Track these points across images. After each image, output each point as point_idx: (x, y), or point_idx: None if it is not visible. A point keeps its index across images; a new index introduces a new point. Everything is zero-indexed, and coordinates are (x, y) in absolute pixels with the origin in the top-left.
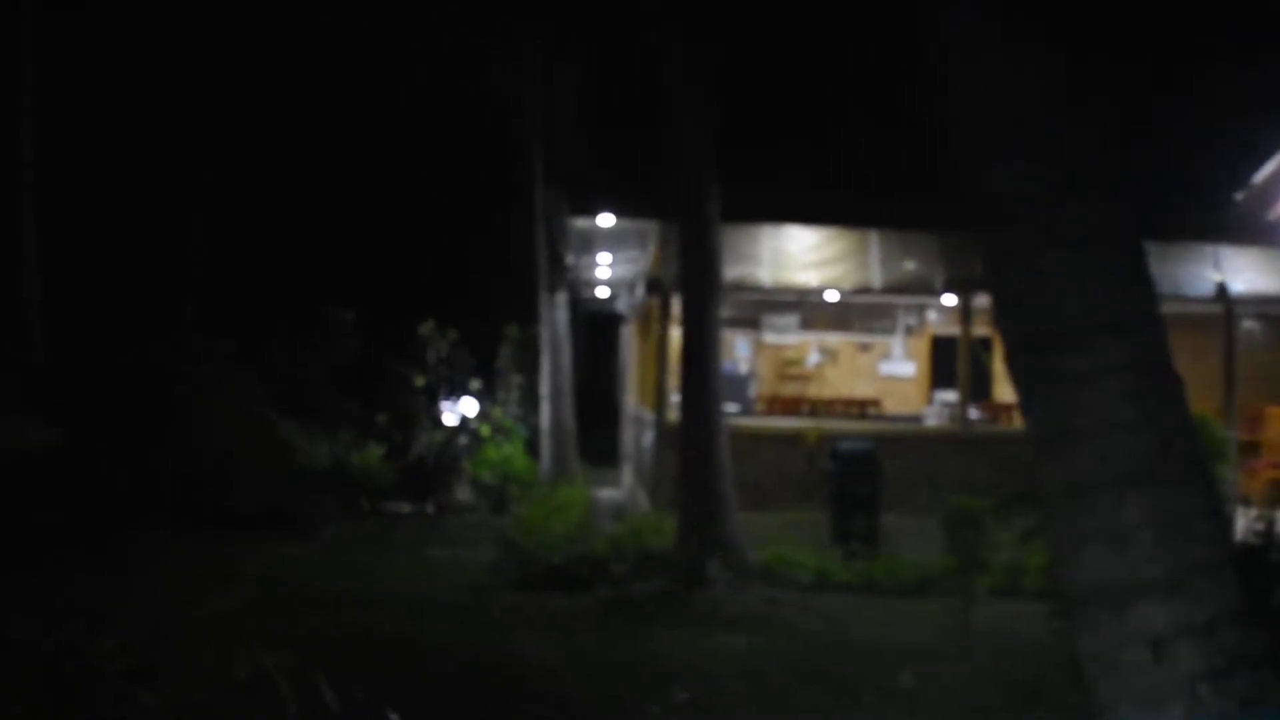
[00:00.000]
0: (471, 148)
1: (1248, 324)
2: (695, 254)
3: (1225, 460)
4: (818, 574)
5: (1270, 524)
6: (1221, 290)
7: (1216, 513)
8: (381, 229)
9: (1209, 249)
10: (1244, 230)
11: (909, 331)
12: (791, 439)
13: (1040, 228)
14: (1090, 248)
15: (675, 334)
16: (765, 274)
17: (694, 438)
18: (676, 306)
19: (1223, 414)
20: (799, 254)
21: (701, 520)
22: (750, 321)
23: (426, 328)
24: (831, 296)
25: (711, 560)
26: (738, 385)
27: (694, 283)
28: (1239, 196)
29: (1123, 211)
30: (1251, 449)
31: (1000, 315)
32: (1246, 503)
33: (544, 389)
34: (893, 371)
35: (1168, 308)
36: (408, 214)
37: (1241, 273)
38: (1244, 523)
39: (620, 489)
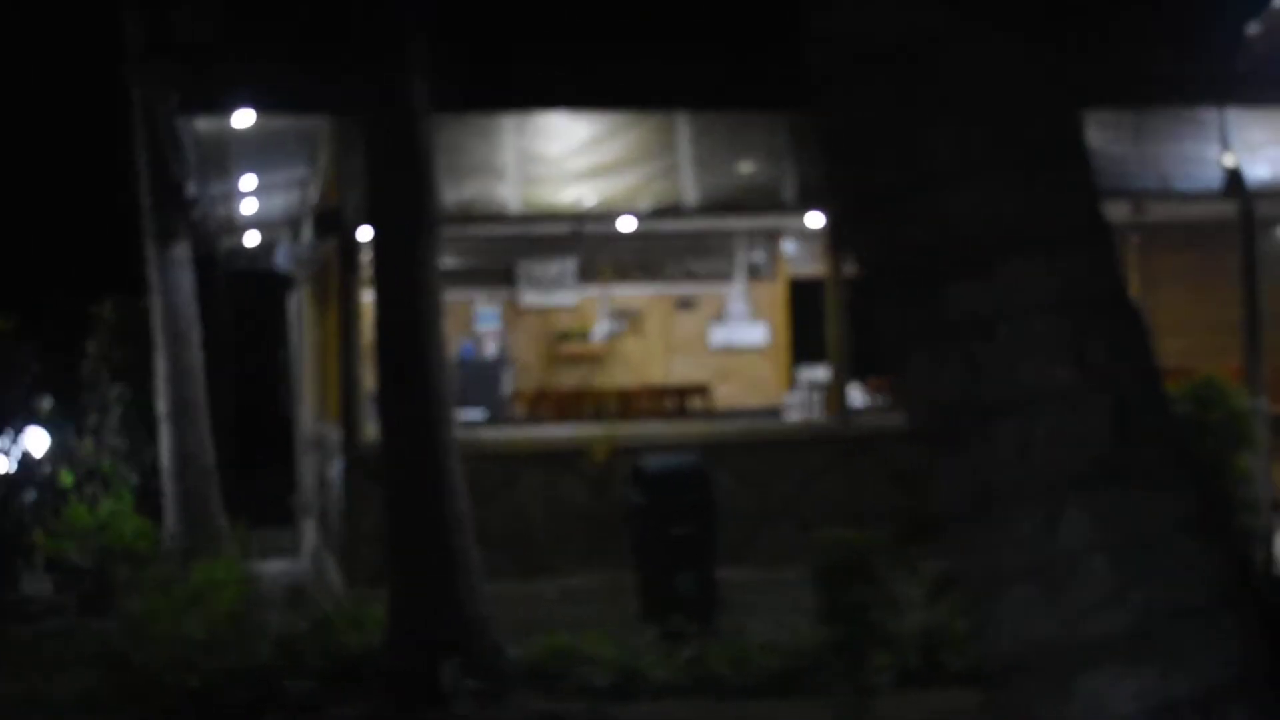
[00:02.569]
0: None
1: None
2: (394, 165)
3: (1250, 444)
4: (621, 672)
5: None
6: (1234, 179)
7: (1210, 524)
8: None
9: (1212, 116)
10: (1263, 84)
11: (755, 275)
12: (572, 457)
13: (922, 86)
14: (998, 119)
15: (371, 299)
16: (512, 193)
17: (405, 465)
18: (370, 254)
19: (1244, 374)
20: (565, 159)
21: (426, 599)
22: (497, 273)
23: None
24: (625, 225)
25: (446, 663)
26: (482, 377)
27: (393, 213)
28: (1254, 31)
29: (1044, 57)
30: None
31: (854, 230)
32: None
33: (163, 404)
34: (731, 340)
35: (1154, 210)
36: None
37: (1262, 149)
38: None
39: (299, 558)
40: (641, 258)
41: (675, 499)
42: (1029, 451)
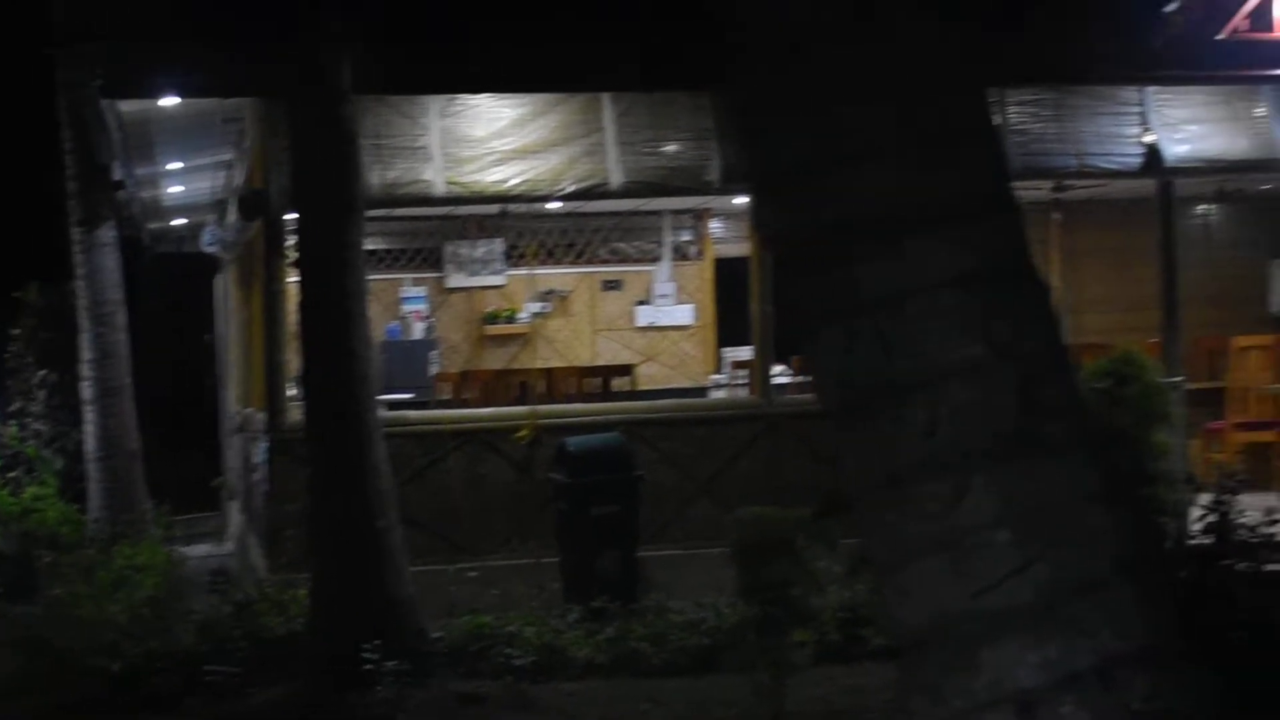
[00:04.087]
0: None
1: (1202, 208)
2: (318, 147)
3: (1166, 419)
4: (544, 650)
5: (1225, 514)
6: (1153, 157)
7: (1116, 496)
8: None
9: (1131, 94)
10: (1182, 60)
11: (681, 256)
12: (496, 438)
13: (833, 64)
14: (909, 97)
15: (296, 281)
16: (437, 175)
17: (329, 447)
18: (295, 237)
19: (1162, 349)
20: (489, 140)
21: (349, 582)
22: (423, 256)
23: None
24: (552, 207)
25: (370, 643)
26: (408, 358)
27: (318, 195)
28: (1172, 7)
29: (955, 36)
30: (1210, 401)
31: (761, 206)
32: (1193, 482)
33: (87, 388)
34: (658, 320)
35: (1076, 188)
36: None
37: (1180, 128)
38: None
39: (224, 542)
40: (568, 239)
41: (598, 479)
42: (937, 426)
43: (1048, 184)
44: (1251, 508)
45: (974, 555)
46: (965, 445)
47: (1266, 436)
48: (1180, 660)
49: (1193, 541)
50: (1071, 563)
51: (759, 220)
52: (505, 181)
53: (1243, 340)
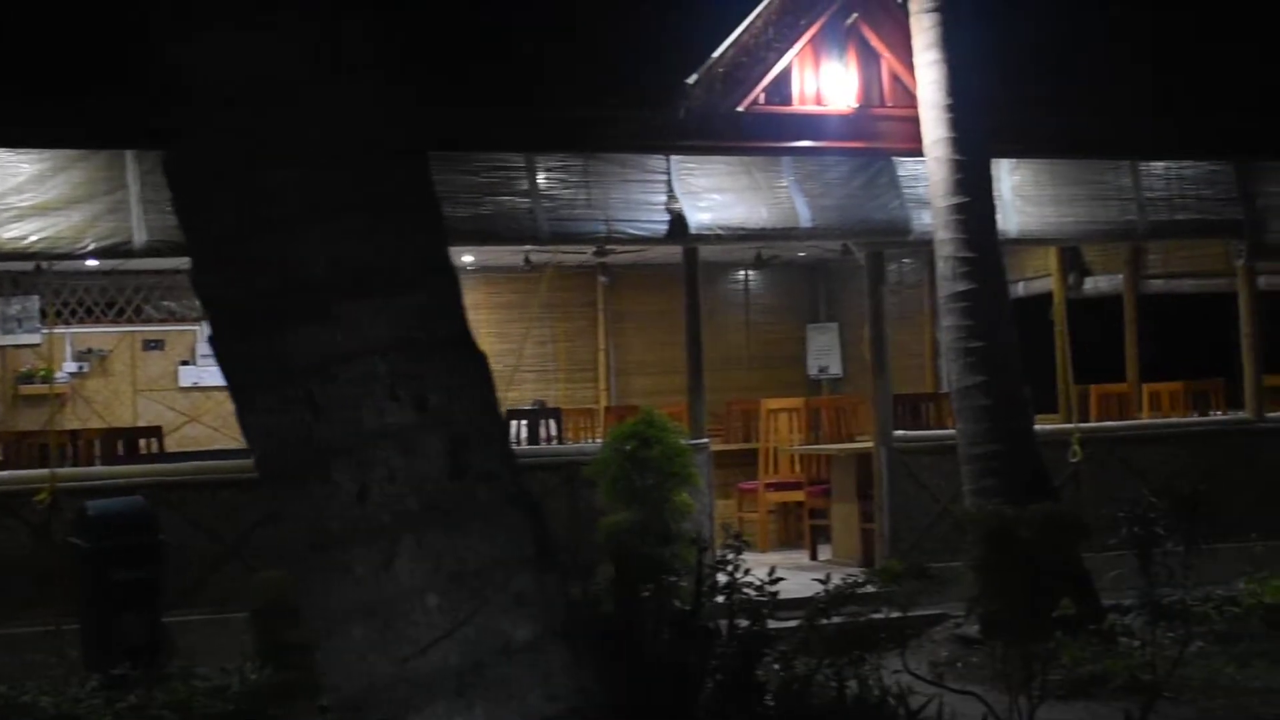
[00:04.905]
0: None
1: (742, 274)
2: None
3: (690, 481)
4: None
5: (699, 576)
6: (678, 223)
7: (544, 561)
8: None
9: (659, 161)
10: (703, 131)
11: None
12: (15, 501)
13: (267, 128)
14: (346, 163)
15: None
16: None
17: None
18: None
19: (688, 412)
20: (7, 196)
21: None
22: None
23: None
24: (90, 264)
25: None
26: None
27: None
28: (693, 81)
29: (398, 102)
30: (745, 462)
31: (200, 272)
32: (699, 543)
33: None
34: (201, 380)
35: (618, 252)
36: None
37: (704, 196)
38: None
39: None
40: (108, 296)
41: (120, 542)
42: (367, 492)
43: (588, 248)
44: (779, 564)
45: (403, 620)
46: (395, 510)
47: (796, 496)
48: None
49: (703, 599)
50: (500, 626)
51: (195, 283)
52: (24, 239)
53: (772, 403)
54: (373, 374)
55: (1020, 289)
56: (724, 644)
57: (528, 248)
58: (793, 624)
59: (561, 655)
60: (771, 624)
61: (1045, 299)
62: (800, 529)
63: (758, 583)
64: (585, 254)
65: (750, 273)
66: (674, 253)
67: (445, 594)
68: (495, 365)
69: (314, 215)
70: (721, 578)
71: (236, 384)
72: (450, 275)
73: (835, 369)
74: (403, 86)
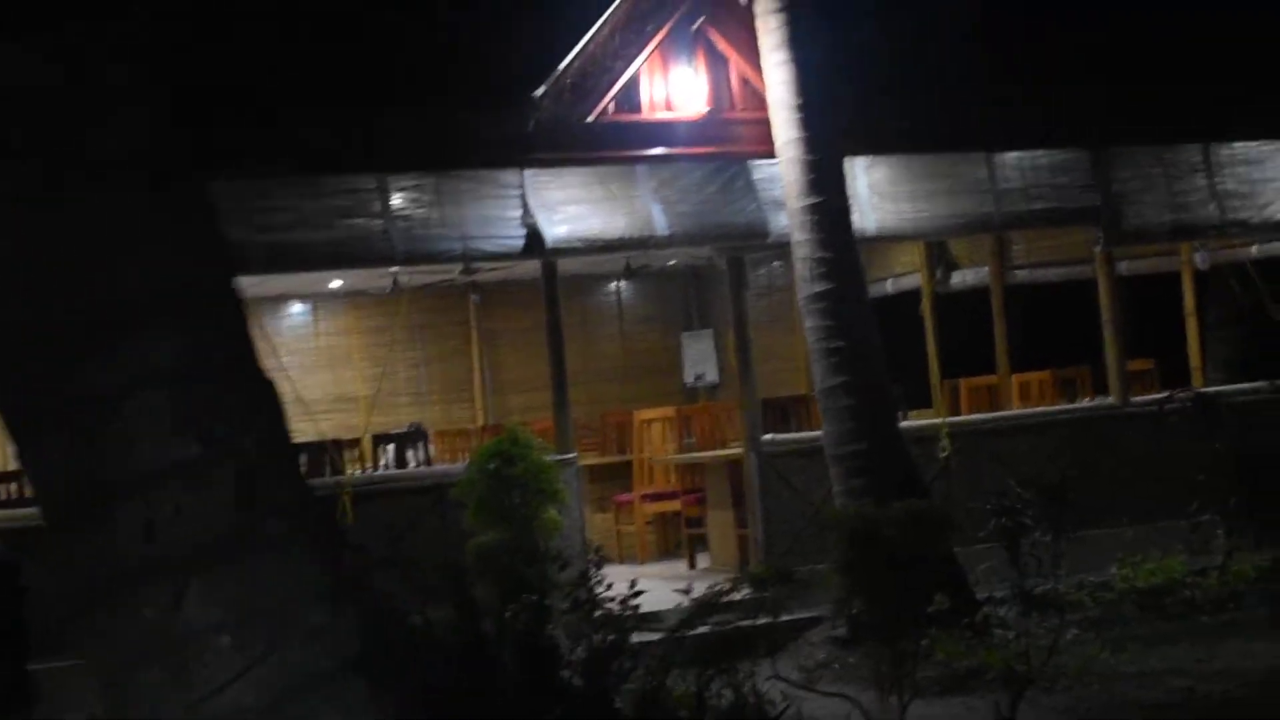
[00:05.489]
0: None
1: (613, 285)
2: None
3: (557, 497)
4: None
5: (542, 593)
6: (534, 237)
7: (342, 591)
8: None
9: (512, 176)
10: (554, 143)
11: None
12: None
13: (41, 165)
14: (126, 191)
15: None
16: None
17: None
18: None
19: (554, 427)
20: None
21: None
22: None
23: None
24: None
25: None
26: None
27: None
28: (540, 94)
29: (190, 121)
30: (621, 475)
31: None
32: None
33: None
34: None
35: (486, 270)
36: None
37: (559, 209)
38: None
39: None
40: None
41: None
42: (153, 531)
43: (456, 267)
44: (658, 575)
45: (195, 662)
46: (184, 547)
47: (673, 506)
48: None
49: (556, 616)
50: (296, 661)
51: None
52: None
53: (645, 413)
54: (153, 407)
55: (889, 286)
56: (578, 661)
57: (392, 270)
58: (660, 637)
59: (363, 686)
60: (640, 638)
61: (914, 295)
62: (679, 539)
63: (620, 596)
64: (454, 273)
65: (622, 283)
66: (539, 268)
67: (238, 632)
68: (365, 389)
69: (90, 248)
70: (583, 594)
71: (17, 421)
72: (234, 303)
73: (712, 376)
74: (166, 106)
